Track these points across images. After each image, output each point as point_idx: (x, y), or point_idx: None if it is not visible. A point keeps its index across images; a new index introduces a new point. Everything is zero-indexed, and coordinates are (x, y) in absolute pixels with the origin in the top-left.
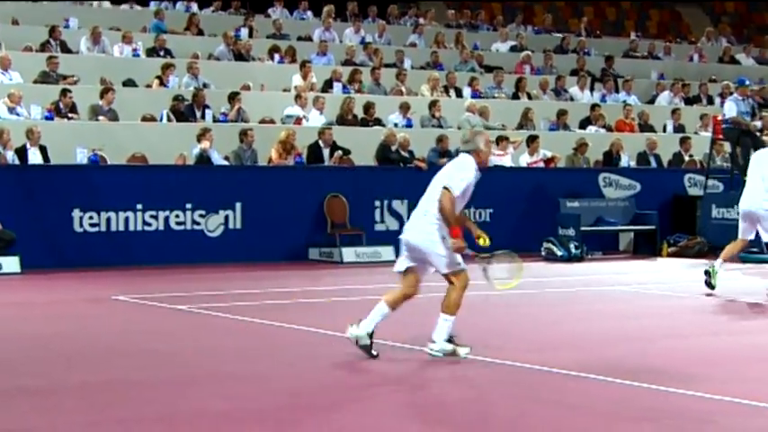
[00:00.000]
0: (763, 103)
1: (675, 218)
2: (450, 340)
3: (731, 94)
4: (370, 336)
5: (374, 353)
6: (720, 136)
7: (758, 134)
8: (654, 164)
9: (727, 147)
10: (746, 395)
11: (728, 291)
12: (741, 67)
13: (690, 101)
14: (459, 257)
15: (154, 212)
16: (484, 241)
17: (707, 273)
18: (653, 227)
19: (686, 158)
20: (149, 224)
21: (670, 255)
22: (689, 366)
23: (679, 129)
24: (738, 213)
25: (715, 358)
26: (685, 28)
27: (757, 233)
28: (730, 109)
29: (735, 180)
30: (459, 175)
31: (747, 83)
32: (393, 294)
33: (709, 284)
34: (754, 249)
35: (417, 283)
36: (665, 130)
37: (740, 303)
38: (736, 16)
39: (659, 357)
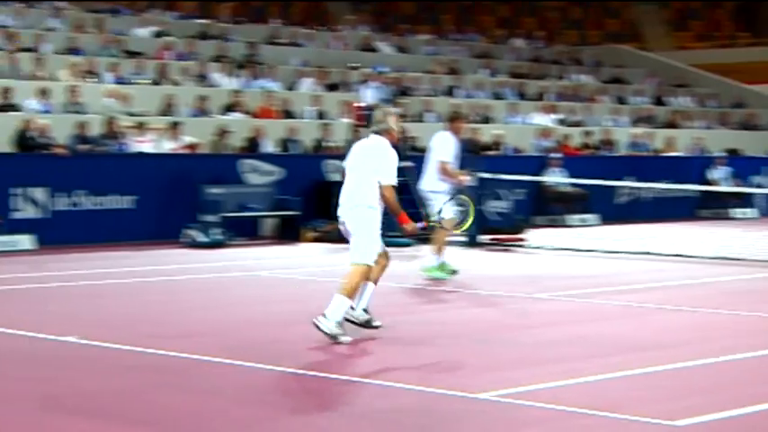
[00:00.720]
0: (402, 90)
1: (317, 203)
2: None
3: (371, 81)
4: (366, 311)
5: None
6: (361, 122)
7: None
8: (295, 150)
9: (367, 133)
10: (380, 376)
11: None
12: (381, 55)
13: (331, 87)
14: (373, 253)
15: None
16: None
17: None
18: (295, 212)
19: (327, 144)
20: None
21: (312, 240)
22: (330, 350)
23: (320, 115)
24: None
25: (356, 342)
26: (328, 16)
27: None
28: (369, 96)
29: None
30: (387, 165)
31: (386, 70)
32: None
33: (452, 272)
34: (393, 233)
35: (383, 254)
36: (306, 117)
37: (380, 286)
38: (376, 5)
39: (302, 341)
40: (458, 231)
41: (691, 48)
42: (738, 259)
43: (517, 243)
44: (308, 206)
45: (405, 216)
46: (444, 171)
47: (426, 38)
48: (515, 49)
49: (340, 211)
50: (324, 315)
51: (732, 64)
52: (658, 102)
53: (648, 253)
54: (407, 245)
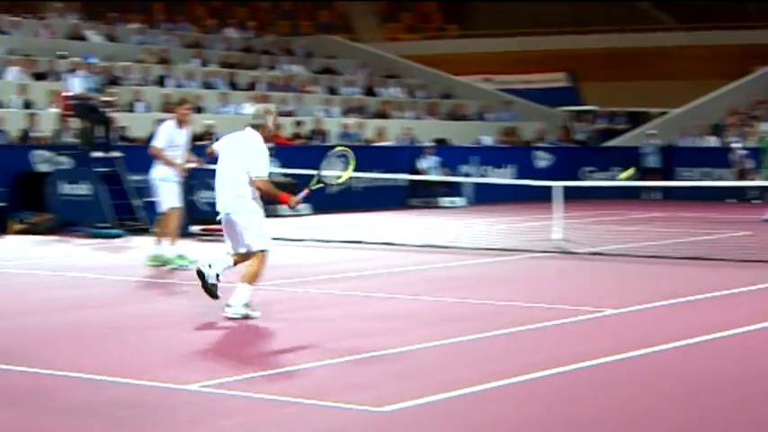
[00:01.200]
0: (111, 80)
1: (24, 194)
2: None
3: (79, 70)
4: (218, 277)
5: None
6: (69, 112)
7: (105, 110)
8: (1, 140)
9: (76, 123)
10: (87, 369)
11: (79, 266)
12: (90, 44)
13: (38, 77)
14: (269, 237)
15: None
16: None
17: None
18: (1, 204)
19: (34, 135)
20: None
21: (19, 232)
22: (32, 344)
23: (27, 104)
24: None
25: (59, 334)
26: (35, 3)
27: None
28: (78, 85)
29: (83, 156)
30: (259, 158)
31: (95, 60)
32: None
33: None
34: (104, 225)
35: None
36: (12, 106)
37: (86, 279)
38: None
39: (3, 335)
40: (338, 183)
41: (401, 39)
42: (445, 247)
43: None
44: (14, 197)
45: (285, 195)
46: (156, 156)
47: (136, 27)
48: (227, 39)
49: (220, 203)
50: (228, 305)
51: (441, 55)
52: (369, 92)
53: (359, 242)
54: (117, 236)
